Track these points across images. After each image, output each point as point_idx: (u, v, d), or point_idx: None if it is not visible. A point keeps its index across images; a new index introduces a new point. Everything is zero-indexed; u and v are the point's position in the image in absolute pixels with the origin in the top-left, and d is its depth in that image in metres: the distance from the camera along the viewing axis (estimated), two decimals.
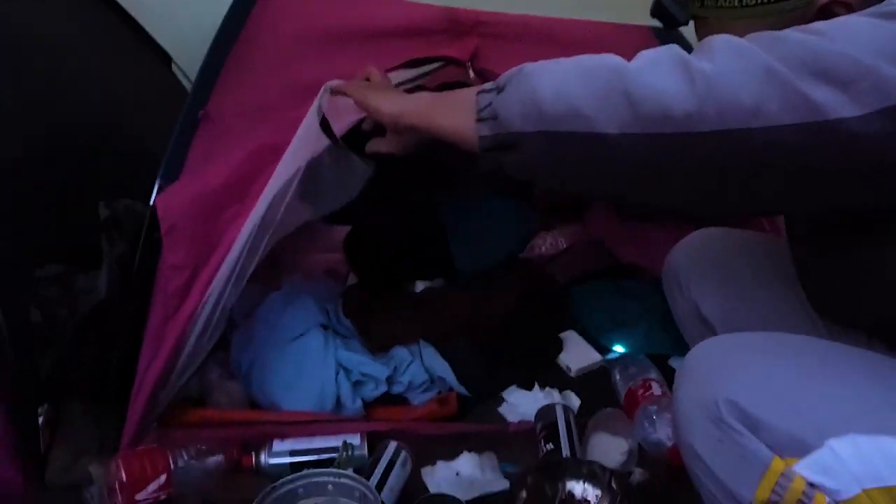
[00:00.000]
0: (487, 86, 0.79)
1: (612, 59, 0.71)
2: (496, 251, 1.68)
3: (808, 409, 0.72)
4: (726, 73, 0.63)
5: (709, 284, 1.14)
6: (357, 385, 1.32)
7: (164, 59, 2.14)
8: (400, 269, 1.66)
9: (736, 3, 0.81)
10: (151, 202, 1.11)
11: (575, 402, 1.39)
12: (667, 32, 1.06)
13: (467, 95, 0.81)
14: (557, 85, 0.71)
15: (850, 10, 0.75)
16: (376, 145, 1.01)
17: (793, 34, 0.66)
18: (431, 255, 1.64)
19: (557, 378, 1.46)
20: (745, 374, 0.76)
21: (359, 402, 1.30)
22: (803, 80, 0.61)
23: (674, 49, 0.69)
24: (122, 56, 1.95)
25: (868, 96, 0.60)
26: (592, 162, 0.72)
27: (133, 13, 1.99)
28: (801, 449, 0.70)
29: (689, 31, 0.91)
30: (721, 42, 0.67)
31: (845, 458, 0.68)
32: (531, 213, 1.79)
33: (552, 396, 1.38)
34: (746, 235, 1.20)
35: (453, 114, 0.81)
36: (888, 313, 0.84)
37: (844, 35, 0.63)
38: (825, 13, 0.77)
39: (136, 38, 2.04)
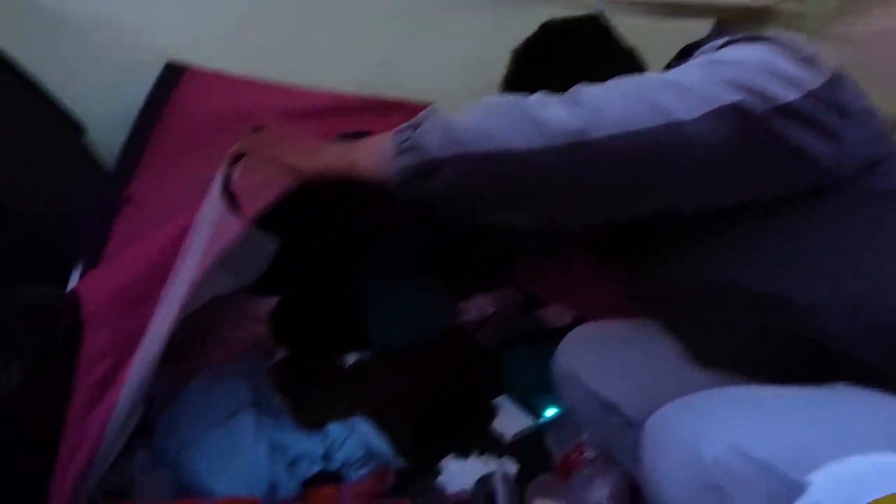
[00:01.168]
0: (403, 126, 0.86)
1: (510, 96, 0.83)
2: (409, 329, 1.66)
3: (787, 446, 0.72)
4: (602, 96, 0.78)
5: (605, 370, 1.13)
6: (292, 465, 1.28)
7: (76, 128, 2.07)
8: (328, 341, 1.64)
9: None
10: (69, 288, 1.06)
11: (512, 468, 1.39)
12: None
13: (382, 137, 0.87)
14: (469, 116, 0.81)
15: None
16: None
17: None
18: (355, 328, 1.63)
19: (494, 445, 1.46)
20: (723, 430, 0.75)
21: (293, 483, 1.26)
22: (656, 92, 0.77)
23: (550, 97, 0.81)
24: (25, 124, 1.87)
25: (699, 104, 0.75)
26: (506, 178, 0.80)
27: (43, 80, 1.92)
28: (790, 494, 0.69)
29: None
30: (585, 86, 0.80)
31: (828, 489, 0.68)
32: (446, 299, 1.79)
33: (490, 465, 1.38)
34: (628, 322, 1.21)
35: (372, 155, 0.87)
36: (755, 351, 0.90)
37: (675, 73, 0.82)
38: None
39: (43, 105, 1.96)
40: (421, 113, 0.85)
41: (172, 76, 1.34)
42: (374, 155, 0.87)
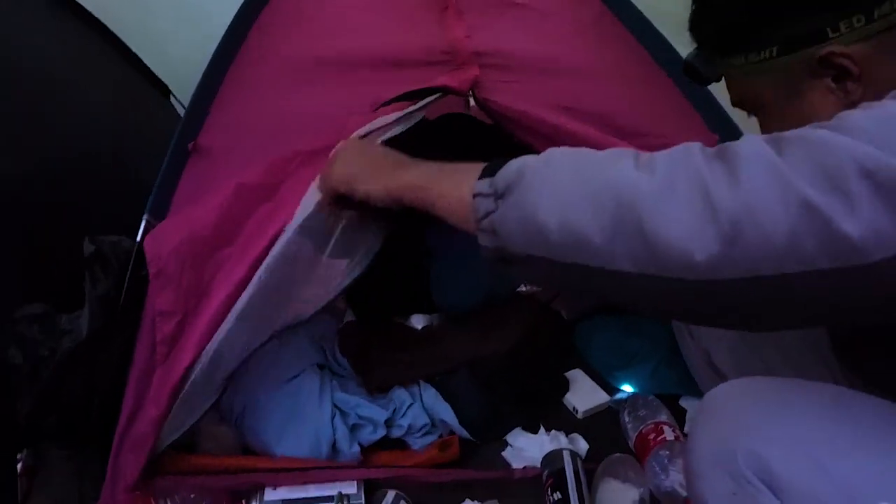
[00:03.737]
0: (484, 187, 0.72)
1: (620, 174, 0.63)
2: (474, 293, 1.56)
3: (836, 470, 0.65)
4: (756, 203, 0.56)
5: (719, 332, 1.08)
6: (354, 428, 1.26)
7: (164, 91, 2.12)
8: (396, 302, 1.60)
9: (742, 61, 0.82)
10: (138, 238, 1.06)
11: (583, 446, 1.32)
12: (699, 87, 1.01)
13: (465, 186, 0.74)
14: (562, 209, 0.64)
15: (852, 61, 0.73)
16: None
17: (830, 137, 0.57)
18: (421, 289, 1.57)
19: (563, 420, 1.39)
20: (769, 425, 0.70)
21: (356, 447, 1.23)
22: (847, 216, 0.53)
23: (692, 162, 0.61)
24: (120, 89, 1.92)
25: None
26: (603, 290, 0.69)
27: (132, 46, 1.97)
28: None
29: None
30: (747, 156, 0.58)
31: None
32: None
33: (559, 440, 1.31)
34: None
35: (452, 205, 0.77)
36: None
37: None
38: (826, 65, 0.75)
39: (135, 70, 2.02)
40: (505, 172, 0.71)
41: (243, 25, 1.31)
42: (455, 208, 0.76)
